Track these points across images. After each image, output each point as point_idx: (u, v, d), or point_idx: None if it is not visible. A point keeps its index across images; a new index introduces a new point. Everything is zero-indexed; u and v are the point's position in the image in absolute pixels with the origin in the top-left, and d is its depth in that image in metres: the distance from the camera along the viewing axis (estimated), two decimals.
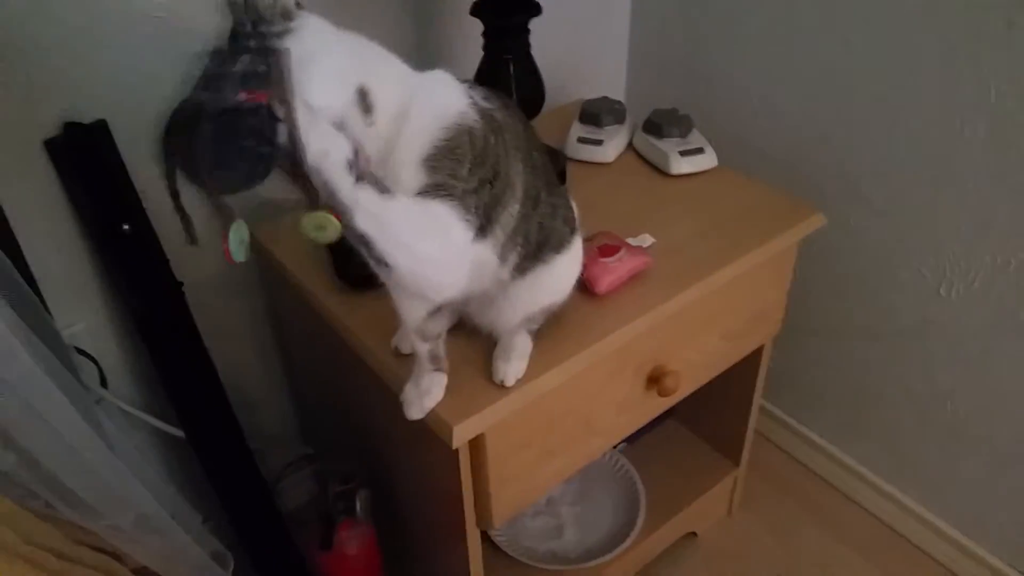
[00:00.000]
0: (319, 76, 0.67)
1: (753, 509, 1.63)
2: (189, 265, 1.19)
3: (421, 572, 1.31)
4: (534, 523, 1.46)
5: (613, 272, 1.03)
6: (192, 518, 1.11)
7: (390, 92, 0.74)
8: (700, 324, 1.14)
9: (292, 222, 1.14)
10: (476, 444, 0.94)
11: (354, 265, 1.02)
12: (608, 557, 1.37)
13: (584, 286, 1.03)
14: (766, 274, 1.19)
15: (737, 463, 1.54)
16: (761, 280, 1.19)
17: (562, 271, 0.93)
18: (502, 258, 0.84)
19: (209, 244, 1.21)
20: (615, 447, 1.55)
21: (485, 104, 0.81)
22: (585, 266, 1.02)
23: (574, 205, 0.96)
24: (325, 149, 0.66)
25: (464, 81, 0.82)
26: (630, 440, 1.59)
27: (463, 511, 1.01)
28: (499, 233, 0.82)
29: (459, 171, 0.76)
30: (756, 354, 1.35)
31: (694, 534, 1.57)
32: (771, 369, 1.46)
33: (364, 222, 0.70)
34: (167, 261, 1.15)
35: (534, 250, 0.89)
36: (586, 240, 1.06)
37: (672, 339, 1.11)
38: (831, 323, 1.52)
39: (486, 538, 1.38)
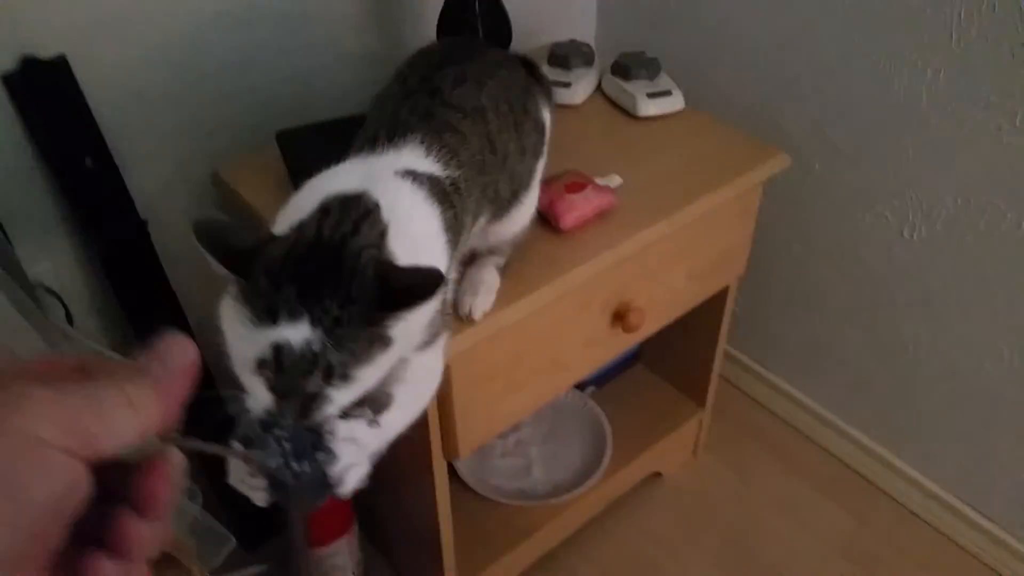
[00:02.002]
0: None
1: (718, 451, 1.66)
2: (154, 204, 1.18)
3: (389, 505, 1.33)
4: (503, 463, 1.48)
5: (578, 208, 1.03)
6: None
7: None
8: (665, 262, 1.15)
9: (256, 159, 1.14)
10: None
11: None
12: (574, 494, 1.39)
13: (549, 222, 1.04)
14: (731, 214, 1.21)
15: (702, 405, 1.57)
16: (726, 220, 1.21)
17: (532, 201, 0.94)
18: (474, 225, 0.84)
19: (174, 184, 1.22)
20: (583, 390, 1.57)
21: (437, 171, 0.75)
22: (551, 202, 1.03)
23: (546, 114, 0.95)
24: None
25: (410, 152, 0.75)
26: (598, 384, 1.61)
27: (429, 441, 1.03)
28: (468, 226, 0.81)
29: (444, 306, 0.75)
30: (721, 297, 1.37)
31: (659, 474, 1.60)
32: (736, 315, 1.49)
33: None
34: (131, 199, 1.14)
35: (508, 199, 0.90)
36: (553, 178, 1.07)
37: (637, 276, 1.12)
38: (796, 268, 1.54)
39: (455, 477, 1.41)
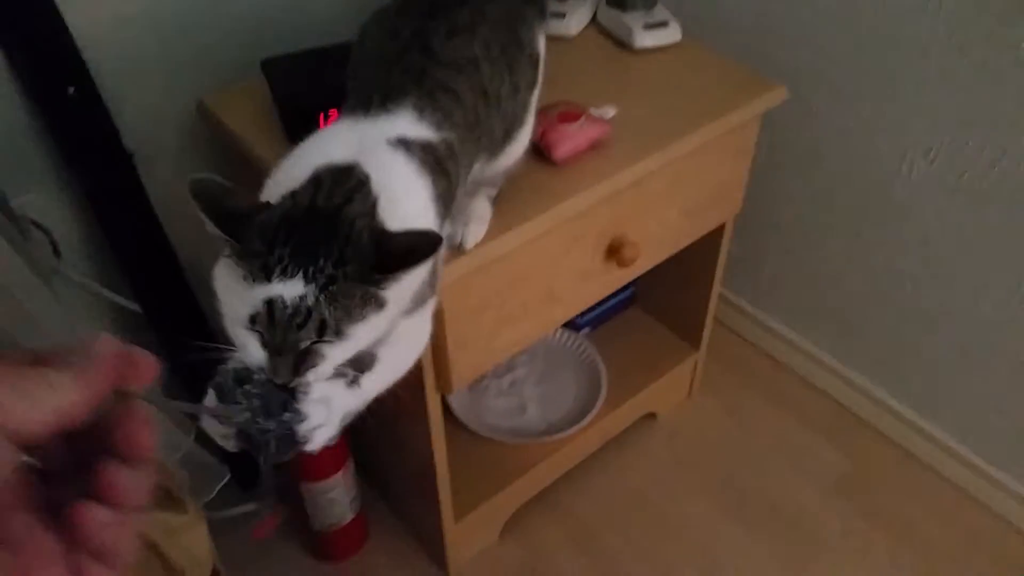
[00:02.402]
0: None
1: (713, 393, 1.66)
2: (140, 136, 1.16)
3: (385, 441, 1.34)
4: (498, 403, 1.48)
5: (572, 139, 1.01)
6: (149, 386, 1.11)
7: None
8: (660, 196, 1.14)
9: (242, 88, 1.12)
10: None
11: (307, 132, 1.01)
12: (568, 432, 1.40)
13: (542, 153, 1.02)
14: (727, 148, 1.19)
15: (697, 347, 1.57)
16: (722, 154, 1.19)
17: (527, 134, 0.92)
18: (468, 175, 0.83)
19: (160, 116, 1.19)
20: (579, 331, 1.57)
21: (430, 135, 0.73)
22: (544, 133, 1.02)
23: (541, 40, 0.93)
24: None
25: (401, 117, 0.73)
26: (593, 325, 1.60)
27: (423, 375, 1.02)
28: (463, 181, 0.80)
29: (435, 273, 0.73)
30: (717, 236, 1.36)
31: (654, 415, 1.60)
32: (732, 257, 1.47)
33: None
34: (116, 130, 1.12)
35: (501, 139, 0.88)
36: (547, 108, 1.05)
37: (631, 210, 1.11)
38: (792, 207, 1.53)
39: (451, 417, 1.41)
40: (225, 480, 1.16)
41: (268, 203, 0.62)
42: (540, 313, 1.10)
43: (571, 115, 1.02)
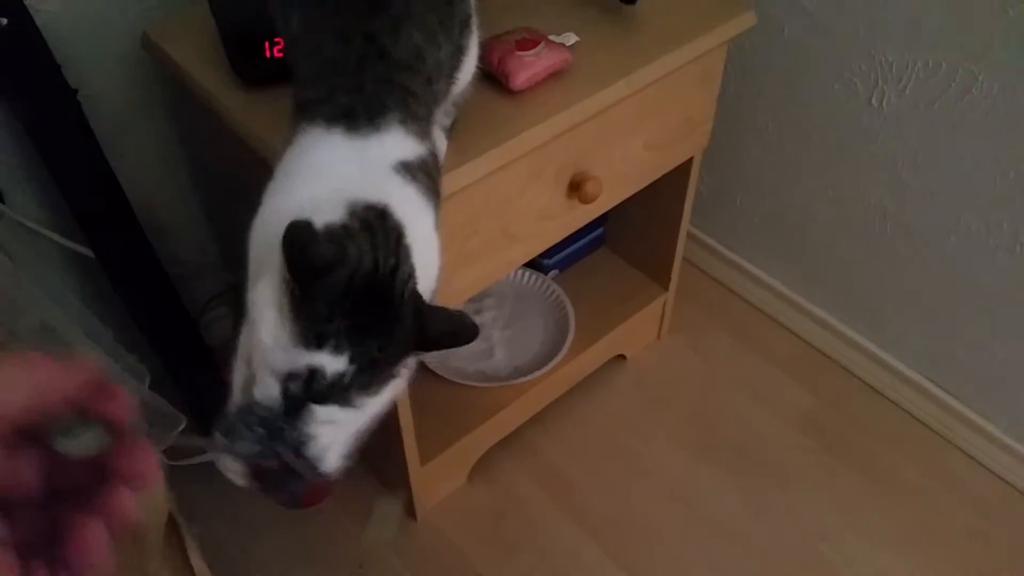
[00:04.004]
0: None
1: (682, 333, 1.65)
2: (84, 73, 1.11)
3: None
4: (464, 347, 1.46)
5: (531, 67, 0.98)
6: (102, 333, 1.08)
7: None
8: (624, 129, 1.11)
9: (187, 19, 1.07)
10: None
11: (252, 61, 0.97)
12: (536, 375, 1.38)
13: (499, 82, 0.98)
14: (694, 77, 1.15)
15: (666, 287, 1.55)
16: (689, 84, 1.15)
17: (472, 54, 0.88)
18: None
19: (105, 51, 1.14)
20: (547, 274, 1.54)
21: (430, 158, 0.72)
22: (501, 60, 0.98)
23: None
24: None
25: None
26: (561, 268, 1.58)
27: None
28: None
29: None
30: (684, 172, 1.33)
31: (624, 357, 1.59)
32: (701, 195, 1.45)
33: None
34: (57, 64, 1.06)
35: (445, 89, 0.84)
36: (504, 34, 1.01)
37: (594, 143, 1.07)
38: (761, 141, 1.50)
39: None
40: (182, 427, 1.13)
41: (339, 257, 0.59)
42: (499, 253, 1.07)
43: (529, 42, 0.99)
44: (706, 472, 1.44)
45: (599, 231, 1.60)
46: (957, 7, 1.13)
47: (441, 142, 0.91)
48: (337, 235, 0.60)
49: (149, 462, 0.37)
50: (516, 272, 1.53)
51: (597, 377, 1.54)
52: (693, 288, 1.72)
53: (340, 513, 1.38)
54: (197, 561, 1.02)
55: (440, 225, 0.71)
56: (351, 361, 0.58)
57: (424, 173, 0.70)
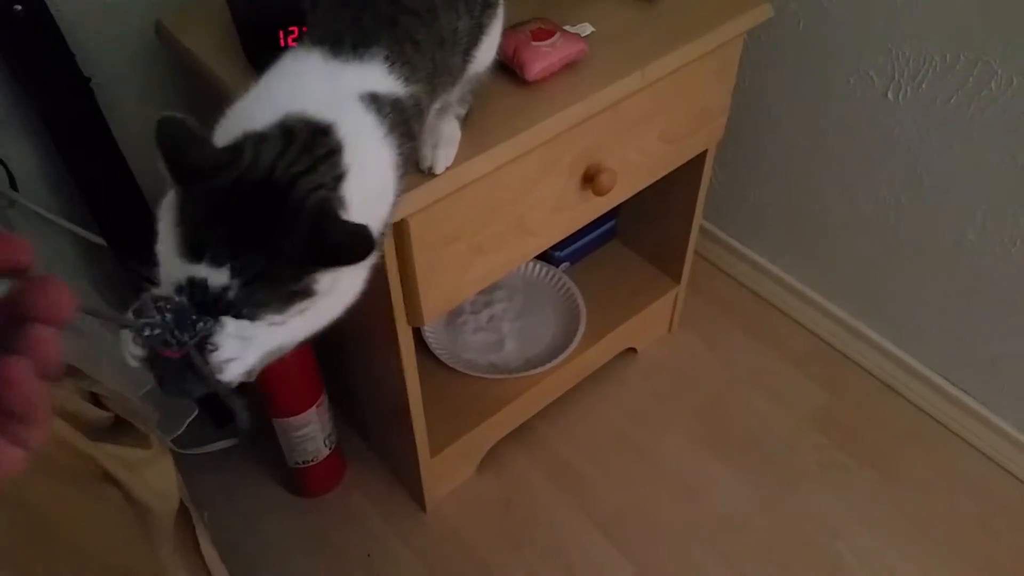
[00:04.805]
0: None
1: (693, 327, 1.64)
2: (98, 60, 1.11)
3: (360, 377, 1.32)
4: (475, 338, 1.46)
5: (546, 57, 0.97)
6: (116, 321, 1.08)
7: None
8: (638, 121, 1.10)
9: (201, 6, 1.06)
10: (400, 231, 0.91)
11: (266, 50, 0.96)
12: (547, 367, 1.38)
13: (514, 72, 0.98)
14: (709, 69, 1.14)
15: (678, 281, 1.54)
16: (704, 76, 1.15)
17: (491, 45, 0.87)
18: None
19: (119, 38, 1.14)
20: (558, 266, 1.54)
21: (396, 89, 0.70)
22: (516, 50, 0.97)
23: None
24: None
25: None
26: (573, 260, 1.57)
27: (392, 306, 0.99)
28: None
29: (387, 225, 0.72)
30: (698, 165, 1.32)
31: (634, 350, 1.59)
32: (714, 190, 1.44)
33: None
34: (71, 52, 1.06)
35: (460, 66, 0.83)
36: (519, 25, 1.00)
37: (608, 135, 1.07)
38: (776, 135, 1.49)
39: (427, 353, 1.38)
40: (193, 416, 1.14)
41: (228, 155, 0.58)
42: (512, 244, 1.07)
43: (545, 32, 0.98)
44: (716, 467, 1.43)
45: (611, 224, 1.59)
46: (976, 0, 1.11)
47: (455, 131, 0.90)
48: (240, 141, 0.59)
49: (63, 297, 0.36)
50: (527, 264, 1.53)
51: (607, 370, 1.54)
52: (705, 282, 1.71)
53: (349, 502, 1.39)
54: (207, 548, 1.02)
55: (403, 170, 0.69)
56: (233, 274, 0.56)
57: (396, 112, 0.68)
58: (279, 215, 0.57)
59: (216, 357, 0.57)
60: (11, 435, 0.35)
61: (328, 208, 0.59)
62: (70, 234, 1.22)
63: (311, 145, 0.60)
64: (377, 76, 0.69)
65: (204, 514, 1.06)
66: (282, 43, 0.94)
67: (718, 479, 1.42)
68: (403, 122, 0.70)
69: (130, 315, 0.55)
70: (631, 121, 1.08)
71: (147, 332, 0.54)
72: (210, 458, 1.40)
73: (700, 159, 1.31)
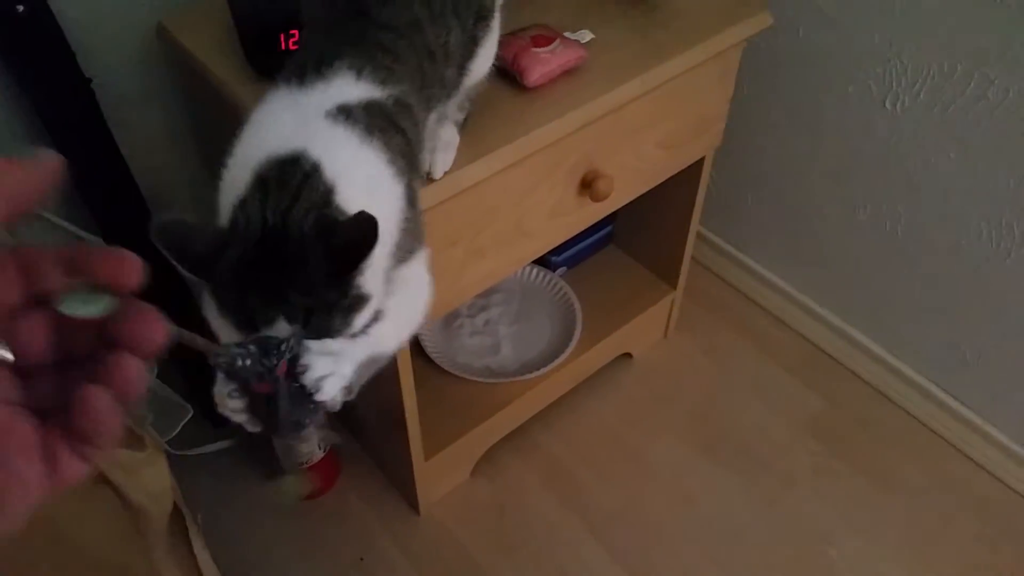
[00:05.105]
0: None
1: (689, 332, 1.65)
2: (99, 61, 1.11)
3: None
4: (471, 342, 1.46)
5: (546, 64, 0.97)
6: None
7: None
8: (637, 127, 1.10)
9: (202, 8, 1.07)
10: None
11: (267, 52, 0.97)
12: (542, 371, 1.38)
13: (514, 78, 0.98)
14: (708, 77, 1.15)
15: (674, 286, 1.55)
16: (703, 83, 1.15)
17: (488, 52, 0.87)
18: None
19: (119, 39, 1.14)
20: (554, 271, 1.54)
21: (379, 96, 0.69)
22: (516, 57, 0.98)
23: None
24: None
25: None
26: (569, 265, 1.58)
27: None
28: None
29: (416, 223, 0.70)
30: (696, 171, 1.33)
31: (630, 355, 1.59)
32: (711, 195, 1.44)
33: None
34: (72, 53, 1.06)
35: (455, 77, 0.84)
36: (519, 31, 1.01)
37: (606, 141, 1.07)
38: (773, 142, 1.49)
39: (423, 356, 1.39)
40: (188, 417, 1.14)
41: (227, 237, 0.59)
42: (510, 248, 1.07)
43: (544, 39, 0.98)
44: (710, 472, 1.44)
45: (608, 229, 1.60)
46: (973, 10, 1.12)
47: (453, 136, 0.91)
48: (233, 215, 0.60)
49: (156, 328, 0.36)
50: (524, 269, 1.53)
51: (603, 375, 1.54)
52: (701, 288, 1.72)
53: (343, 505, 1.39)
54: (200, 550, 1.02)
55: (405, 162, 0.69)
56: (288, 321, 0.57)
57: (369, 112, 0.68)
58: (291, 253, 0.58)
59: (310, 376, 0.57)
60: (78, 451, 0.35)
61: (323, 222, 0.59)
62: (69, 234, 1.22)
63: (284, 181, 0.60)
64: (343, 88, 0.68)
65: (198, 516, 1.06)
66: (282, 45, 0.94)
67: (712, 484, 1.42)
68: (385, 121, 0.69)
69: (218, 352, 0.55)
70: (630, 127, 1.09)
71: (239, 363, 0.53)
72: (204, 460, 1.39)
73: (698, 165, 1.31)
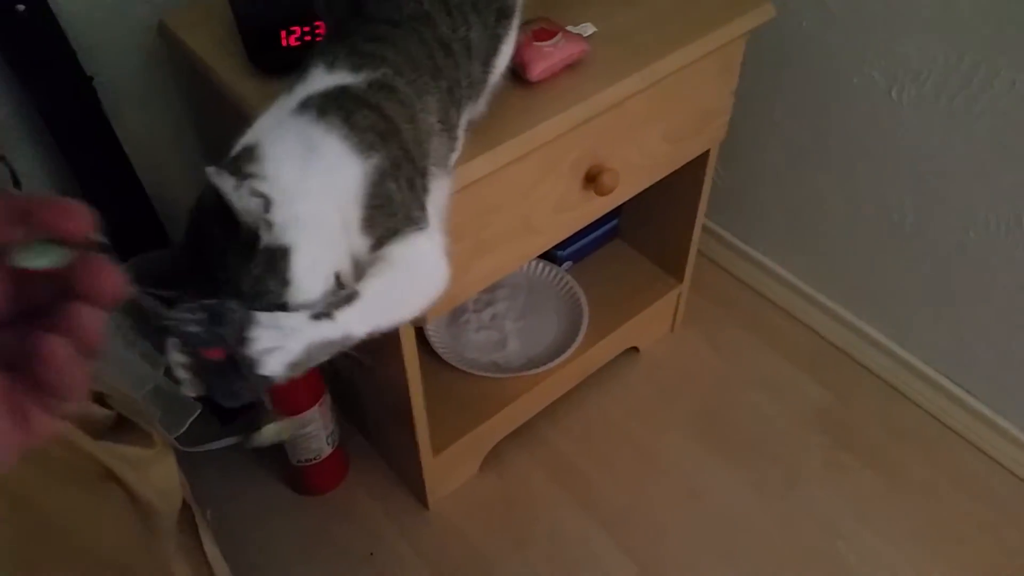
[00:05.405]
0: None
1: (695, 326, 1.64)
2: (100, 59, 1.11)
3: (363, 375, 1.32)
4: (478, 337, 1.46)
5: (548, 57, 0.97)
6: (116, 319, 1.08)
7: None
8: (641, 121, 1.10)
9: (204, 6, 1.07)
10: None
11: (268, 49, 0.97)
12: (549, 366, 1.38)
13: (516, 72, 0.98)
14: (712, 69, 1.14)
15: (680, 280, 1.54)
16: (706, 76, 1.15)
17: (511, 47, 0.88)
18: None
19: (121, 37, 1.14)
20: (560, 265, 1.54)
21: (366, 94, 0.69)
22: (518, 50, 0.97)
23: None
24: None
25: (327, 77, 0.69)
26: (575, 259, 1.58)
27: None
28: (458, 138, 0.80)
29: (393, 201, 0.68)
30: (701, 165, 1.32)
31: (637, 349, 1.59)
32: (717, 188, 1.44)
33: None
34: (73, 51, 1.07)
35: (481, 75, 0.84)
36: (522, 24, 1.00)
37: (610, 135, 1.07)
38: (778, 135, 1.49)
39: (430, 352, 1.39)
40: (196, 414, 1.14)
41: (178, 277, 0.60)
42: (515, 244, 1.07)
43: (547, 32, 0.98)
44: (718, 466, 1.43)
45: (613, 223, 1.59)
46: (979, 1, 1.11)
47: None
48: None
49: (111, 278, 0.36)
50: (530, 263, 1.53)
51: (610, 369, 1.54)
52: (708, 281, 1.71)
53: (351, 501, 1.39)
54: (210, 546, 1.02)
55: (371, 139, 0.68)
56: (225, 296, 0.58)
57: (330, 96, 0.67)
58: (203, 234, 0.61)
59: (254, 348, 0.57)
60: (45, 404, 0.35)
61: (215, 184, 0.58)
62: None
63: (235, 162, 0.63)
64: (313, 82, 0.68)
65: (207, 512, 1.07)
66: (284, 43, 0.95)
67: (720, 478, 1.42)
68: (351, 100, 0.68)
69: (169, 313, 0.55)
70: (633, 121, 1.08)
71: (188, 328, 0.54)
72: (213, 456, 1.40)
73: (703, 158, 1.31)
